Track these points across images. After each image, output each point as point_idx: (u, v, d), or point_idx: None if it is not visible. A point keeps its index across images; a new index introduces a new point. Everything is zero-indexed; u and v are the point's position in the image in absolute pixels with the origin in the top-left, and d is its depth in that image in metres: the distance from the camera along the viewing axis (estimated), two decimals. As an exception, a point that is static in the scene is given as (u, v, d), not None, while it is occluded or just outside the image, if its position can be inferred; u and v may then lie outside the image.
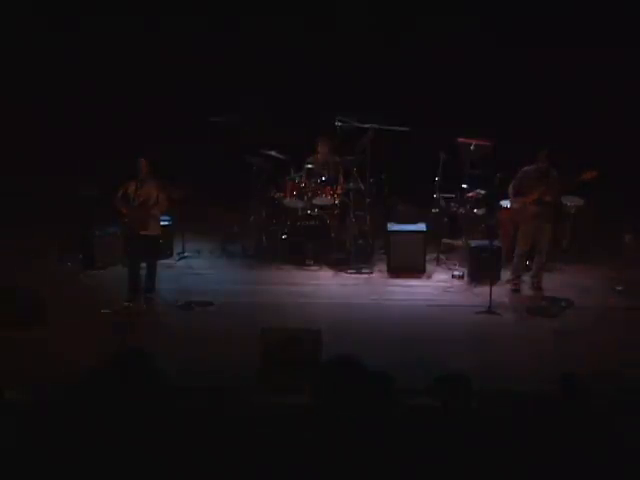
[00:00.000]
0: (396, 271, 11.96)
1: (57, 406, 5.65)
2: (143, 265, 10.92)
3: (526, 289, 11.27)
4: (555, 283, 11.46)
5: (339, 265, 12.15)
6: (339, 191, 12.43)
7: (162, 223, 12.13)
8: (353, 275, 12.00)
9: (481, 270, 11.48)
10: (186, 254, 12.57)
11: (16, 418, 5.55)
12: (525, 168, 11.09)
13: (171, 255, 12.49)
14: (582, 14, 13.18)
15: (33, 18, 13.75)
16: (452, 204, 12.47)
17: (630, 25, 13.20)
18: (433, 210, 12.57)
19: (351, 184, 12.54)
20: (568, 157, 10.98)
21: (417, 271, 11.95)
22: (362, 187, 12.54)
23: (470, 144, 12.30)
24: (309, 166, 12.45)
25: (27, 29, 13.75)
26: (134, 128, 13.48)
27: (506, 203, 11.83)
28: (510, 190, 11.16)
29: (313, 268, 12.16)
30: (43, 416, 5.48)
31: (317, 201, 12.36)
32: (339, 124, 12.48)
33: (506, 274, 11.44)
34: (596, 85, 13.29)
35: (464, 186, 12.41)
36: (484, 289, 10.98)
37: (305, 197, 12.34)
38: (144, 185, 10.70)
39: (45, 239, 12.53)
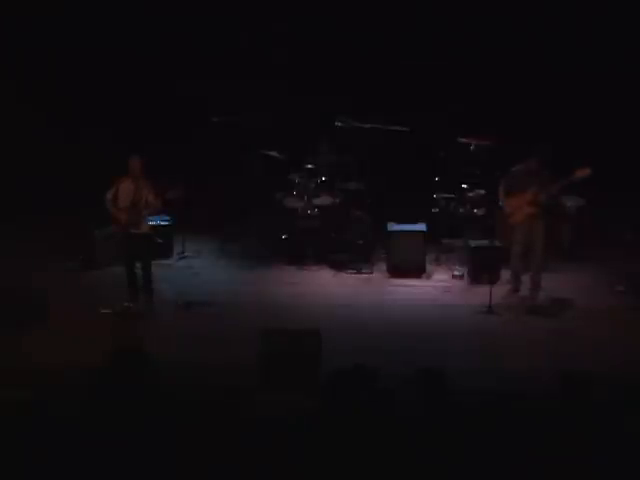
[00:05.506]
0: (396, 271, 11.96)
1: (57, 406, 5.65)
2: (140, 265, 10.90)
3: (526, 289, 11.26)
4: (555, 283, 11.45)
5: (339, 265, 12.15)
6: (339, 191, 12.43)
7: (162, 223, 12.19)
8: (353, 275, 12.01)
9: (481, 270, 11.49)
10: (186, 254, 12.57)
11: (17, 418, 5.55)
12: (514, 168, 11.05)
13: (171, 255, 12.50)
14: (583, 14, 13.19)
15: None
16: (452, 204, 12.47)
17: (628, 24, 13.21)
18: (433, 210, 12.57)
19: (351, 184, 12.55)
20: (567, 157, 10.98)
21: (417, 271, 11.95)
22: (362, 187, 12.55)
23: (470, 143, 12.31)
24: (309, 166, 12.46)
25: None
26: (132, 128, 13.46)
27: (505, 203, 11.84)
28: (500, 192, 11.10)
29: (313, 268, 12.16)
30: (43, 416, 5.48)
31: (317, 201, 12.37)
32: (339, 124, 12.49)
33: (506, 274, 11.43)
34: (596, 84, 13.28)
35: (464, 186, 12.41)
36: (484, 289, 10.98)
37: (305, 197, 12.34)
38: (137, 184, 10.64)
39: (45, 239, 12.52)
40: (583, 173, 10.58)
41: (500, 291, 11.13)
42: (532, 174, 10.88)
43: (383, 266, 12.14)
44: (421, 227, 12.12)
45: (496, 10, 13.29)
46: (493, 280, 11.04)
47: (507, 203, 11.05)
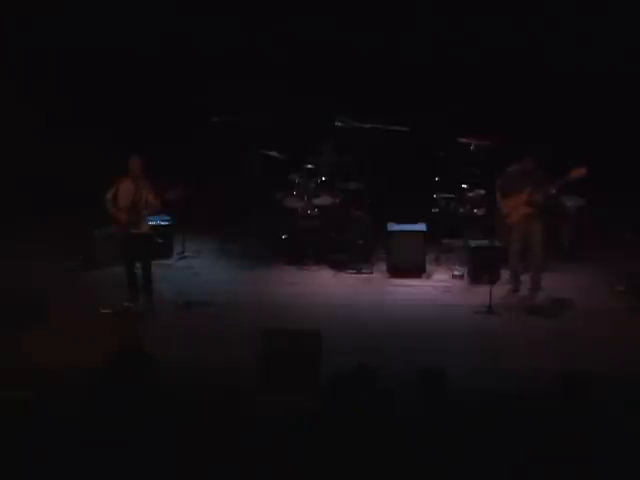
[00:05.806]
0: (396, 271, 11.96)
1: (57, 406, 5.65)
2: (140, 265, 10.90)
3: (526, 289, 11.26)
4: (555, 283, 11.45)
5: (339, 265, 12.15)
6: (339, 191, 12.43)
7: (162, 223, 12.19)
8: (353, 275, 12.01)
9: (481, 270, 11.49)
10: (186, 254, 12.57)
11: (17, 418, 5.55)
12: (509, 169, 11.06)
13: (171, 255, 12.50)
14: (585, 14, 13.19)
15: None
16: (452, 204, 12.47)
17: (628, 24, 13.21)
18: (433, 210, 12.57)
19: (351, 184, 12.55)
20: (567, 157, 10.98)
21: (417, 271, 11.95)
22: (362, 187, 12.55)
23: (470, 143, 12.31)
24: (309, 166, 12.46)
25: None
26: (132, 128, 13.45)
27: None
28: (497, 193, 11.12)
29: (313, 268, 12.16)
30: (43, 416, 5.48)
31: (317, 201, 12.37)
32: (339, 124, 12.49)
33: (506, 274, 11.43)
34: (596, 84, 13.28)
35: (464, 186, 12.41)
36: (484, 289, 10.98)
37: (305, 197, 12.34)
38: (137, 184, 10.63)
39: (45, 239, 12.52)
40: (579, 173, 10.58)
41: (500, 291, 11.13)
42: (527, 174, 10.88)
43: (383, 266, 12.14)
44: (421, 227, 12.12)
45: (496, 10, 13.28)
46: (493, 280, 11.04)
47: (504, 203, 11.07)
